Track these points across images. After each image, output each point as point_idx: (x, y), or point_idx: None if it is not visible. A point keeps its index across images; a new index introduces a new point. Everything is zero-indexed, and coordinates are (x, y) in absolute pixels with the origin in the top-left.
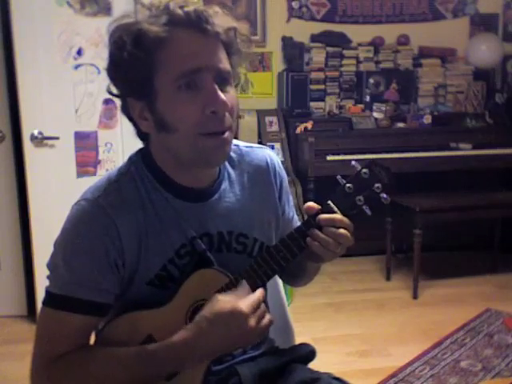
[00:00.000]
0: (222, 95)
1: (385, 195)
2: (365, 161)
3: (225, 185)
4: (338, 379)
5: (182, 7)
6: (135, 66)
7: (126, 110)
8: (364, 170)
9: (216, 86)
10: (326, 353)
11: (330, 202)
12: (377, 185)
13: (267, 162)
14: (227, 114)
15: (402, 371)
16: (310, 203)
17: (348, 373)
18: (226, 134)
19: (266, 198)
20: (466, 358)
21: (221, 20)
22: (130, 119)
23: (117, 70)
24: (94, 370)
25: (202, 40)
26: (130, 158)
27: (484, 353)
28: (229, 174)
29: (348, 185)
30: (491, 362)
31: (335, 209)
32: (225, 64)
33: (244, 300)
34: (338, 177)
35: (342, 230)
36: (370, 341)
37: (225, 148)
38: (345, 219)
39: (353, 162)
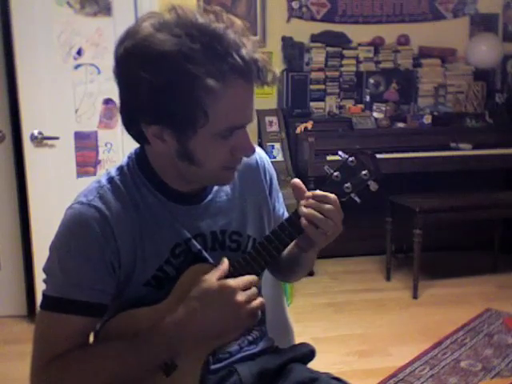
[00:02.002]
0: (253, 145)
1: (373, 182)
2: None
3: (217, 186)
4: (337, 379)
5: (241, 56)
6: (180, 109)
7: (134, 122)
8: (350, 159)
9: (248, 136)
10: (326, 353)
11: (318, 190)
12: (364, 172)
13: (257, 160)
14: None
15: (401, 371)
16: (296, 179)
17: (348, 373)
18: (240, 164)
19: (257, 196)
20: (466, 358)
21: (269, 64)
22: (135, 127)
23: (151, 101)
24: (92, 364)
25: (250, 91)
26: (124, 160)
27: (484, 353)
28: None
29: (335, 173)
30: (491, 362)
31: None
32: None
33: (233, 279)
34: (326, 167)
35: (327, 205)
36: (369, 341)
37: (235, 174)
38: (329, 194)
39: (339, 152)
